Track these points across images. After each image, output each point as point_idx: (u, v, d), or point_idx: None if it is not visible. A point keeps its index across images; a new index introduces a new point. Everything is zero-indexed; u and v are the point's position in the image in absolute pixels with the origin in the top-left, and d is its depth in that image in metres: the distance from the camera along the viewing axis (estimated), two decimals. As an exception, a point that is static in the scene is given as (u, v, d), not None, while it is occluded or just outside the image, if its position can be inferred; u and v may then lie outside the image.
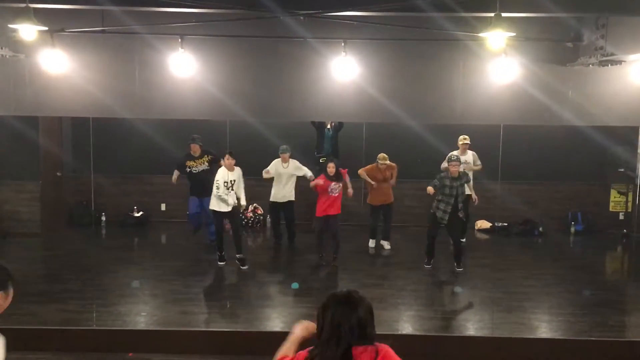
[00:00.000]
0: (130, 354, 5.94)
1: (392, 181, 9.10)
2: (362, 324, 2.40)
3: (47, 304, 6.84)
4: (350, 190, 8.58)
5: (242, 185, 8.33)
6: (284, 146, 9.24)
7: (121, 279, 7.90)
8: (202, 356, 5.94)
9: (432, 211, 8.25)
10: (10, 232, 9.78)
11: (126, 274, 8.14)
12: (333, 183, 8.27)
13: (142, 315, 6.77)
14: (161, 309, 6.89)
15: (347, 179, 8.55)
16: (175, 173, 9.16)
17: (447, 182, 8.08)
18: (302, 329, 2.79)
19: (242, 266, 8.28)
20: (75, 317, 6.49)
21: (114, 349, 5.98)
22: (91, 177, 10.66)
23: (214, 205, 8.19)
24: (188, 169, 9.10)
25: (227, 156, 8.16)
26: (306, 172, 9.20)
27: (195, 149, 9.09)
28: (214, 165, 8.91)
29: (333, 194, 8.30)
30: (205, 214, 8.96)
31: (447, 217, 8.11)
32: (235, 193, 8.19)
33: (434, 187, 8.13)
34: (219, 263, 8.38)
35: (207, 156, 9.11)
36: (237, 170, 8.26)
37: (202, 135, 9.44)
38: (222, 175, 8.15)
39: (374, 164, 9.07)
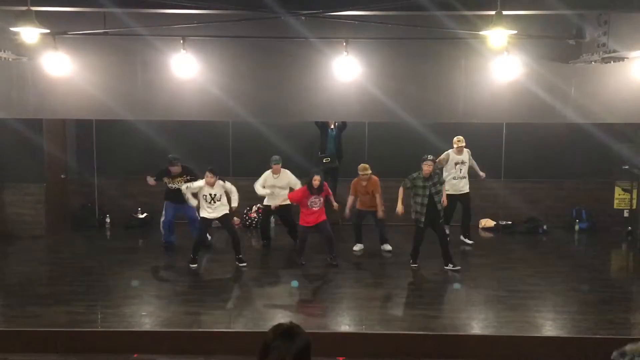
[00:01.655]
0: (135, 355, 5.95)
1: (378, 200, 8.93)
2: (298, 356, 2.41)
3: (52, 305, 6.86)
4: (335, 205, 8.66)
5: (234, 195, 8.35)
6: (276, 157, 9.15)
7: (126, 280, 7.92)
8: (207, 357, 5.95)
9: (416, 220, 8.27)
10: (15, 234, 9.81)
11: (131, 275, 8.16)
12: (313, 197, 8.25)
13: (146, 316, 6.78)
14: (166, 310, 6.90)
15: (331, 197, 8.57)
16: (149, 179, 9.18)
17: (420, 183, 8.10)
18: None
19: (241, 263, 8.37)
20: (81, 319, 6.50)
21: (119, 350, 5.99)
22: (95, 179, 10.69)
23: (202, 212, 8.36)
24: (165, 182, 9.18)
25: (207, 173, 8.20)
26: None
27: (174, 170, 9.05)
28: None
29: (314, 208, 8.28)
30: (193, 219, 9.05)
31: (423, 219, 8.12)
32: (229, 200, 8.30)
33: (404, 187, 8.22)
34: (191, 265, 8.34)
35: (186, 176, 9.02)
36: (219, 183, 8.25)
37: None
38: (204, 189, 8.24)
39: (356, 179, 9.00)
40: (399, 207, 8.36)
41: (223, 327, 6.49)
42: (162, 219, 9.27)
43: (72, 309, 6.75)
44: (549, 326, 6.61)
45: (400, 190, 8.34)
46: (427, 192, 8.08)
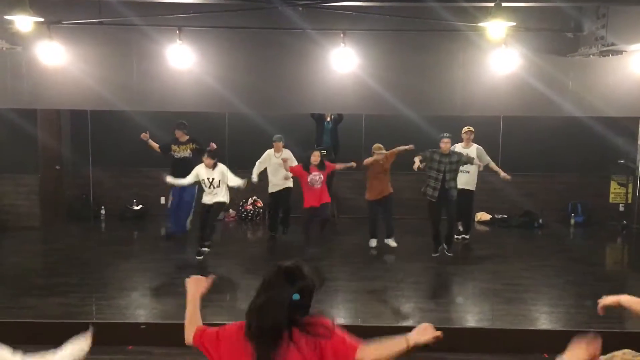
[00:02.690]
0: (130, 347, 5.93)
1: (406, 147, 8.57)
2: (295, 303, 2.35)
3: (47, 297, 6.83)
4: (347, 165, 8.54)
5: (232, 180, 8.22)
6: (278, 135, 9.26)
7: (121, 272, 7.90)
8: (202, 349, 5.94)
9: (425, 194, 8.26)
10: (9, 225, 9.76)
11: (126, 267, 8.14)
12: (313, 173, 8.15)
13: (141, 308, 6.75)
14: (161, 302, 6.88)
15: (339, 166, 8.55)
16: (154, 145, 9.22)
17: (437, 157, 8.11)
18: (194, 285, 2.86)
19: (198, 256, 8.19)
20: (75, 311, 6.47)
21: (113, 342, 5.96)
22: (90, 171, 10.64)
23: (203, 198, 8.30)
24: (172, 153, 9.19)
25: (205, 156, 8.18)
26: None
27: (179, 135, 9.14)
28: (197, 156, 8.93)
29: (315, 186, 8.18)
30: (186, 204, 9.14)
31: (437, 194, 8.12)
32: (229, 184, 8.18)
33: (423, 157, 8.17)
34: (197, 257, 8.27)
35: (192, 144, 9.13)
36: (220, 168, 8.18)
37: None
38: (202, 172, 8.18)
39: (372, 158, 8.84)
40: (416, 161, 8.21)
41: (218, 319, 6.46)
42: (169, 205, 9.33)
43: (66, 301, 6.73)
44: (544, 319, 6.62)
45: (416, 158, 8.22)
46: (442, 168, 8.07)
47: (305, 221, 8.37)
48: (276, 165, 9.24)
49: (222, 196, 8.20)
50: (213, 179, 8.12)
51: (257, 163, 9.36)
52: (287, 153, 9.31)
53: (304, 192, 8.31)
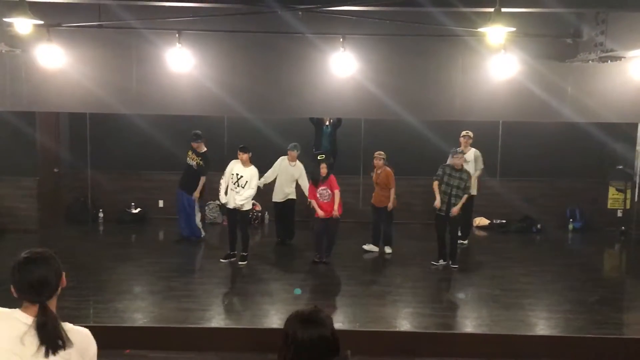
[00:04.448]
0: (127, 351, 5.91)
1: (391, 195, 8.81)
2: (327, 345, 2.23)
3: (44, 300, 6.80)
4: (335, 213, 8.30)
5: (251, 187, 8.13)
6: (294, 143, 9.13)
7: (118, 275, 7.87)
8: (200, 353, 5.92)
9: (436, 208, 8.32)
10: (7, 228, 9.74)
11: (123, 270, 8.12)
12: (320, 188, 8.22)
13: (139, 311, 6.73)
14: (159, 306, 6.86)
15: (337, 199, 8.28)
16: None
17: (448, 171, 8.18)
18: None
19: (240, 261, 8.26)
20: (72, 314, 6.42)
21: (110, 345, 5.92)
22: (88, 173, 10.63)
23: (222, 198, 8.34)
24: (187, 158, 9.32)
25: (239, 152, 8.18)
26: (305, 187, 9.10)
27: (196, 146, 9.22)
28: (199, 169, 9.12)
29: (323, 200, 8.24)
30: (190, 207, 9.28)
31: (444, 207, 8.17)
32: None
33: (438, 177, 8.24)
34: (222, 260, 8.33)
35: (200, 160, 9.17)
36: (252, 169, 8.16)
37: (199, 132, 9.42)
38: (232, 167, 8.17)
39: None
40: (437, 201, 8.28)
41: (216, 323, 6.46)
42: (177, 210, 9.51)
43: (63, 304, 6.58)
44: (542, 325, 6.62)
45: (434, 184, 8.29)
46: (452, 183, 8.15)
47: (316, 231, 8.41)
48: (288, 176, 9.12)
49: (243, 200, 8.10)
50: (242, 176, 8.07)
51: (270, 171, 9.11)
52: (300, 167, 9.17)
53: (316, 204, 8.31)
